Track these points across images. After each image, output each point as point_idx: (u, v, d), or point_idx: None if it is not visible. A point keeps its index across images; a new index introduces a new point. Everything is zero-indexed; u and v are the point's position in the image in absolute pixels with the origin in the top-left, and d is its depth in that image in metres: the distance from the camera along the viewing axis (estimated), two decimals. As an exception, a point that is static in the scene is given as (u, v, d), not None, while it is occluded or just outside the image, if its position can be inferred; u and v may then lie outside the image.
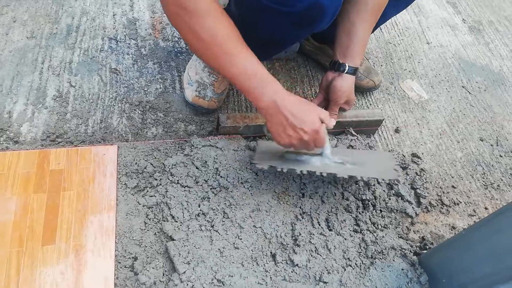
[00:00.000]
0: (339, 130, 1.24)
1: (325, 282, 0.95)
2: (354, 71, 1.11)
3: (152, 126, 1.17)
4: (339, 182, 1.10)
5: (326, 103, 1.18)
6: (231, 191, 1.04)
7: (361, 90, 1.39)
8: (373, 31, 1.15)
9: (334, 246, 1.01)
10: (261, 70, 0.86)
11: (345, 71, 1.10)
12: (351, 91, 1.14)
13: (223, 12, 0.84)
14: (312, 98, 1.31)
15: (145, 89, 1.25)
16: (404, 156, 1.24)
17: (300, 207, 1.05)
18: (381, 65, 1.51)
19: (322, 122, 0.91)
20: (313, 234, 1.01)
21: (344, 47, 1.10)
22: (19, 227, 0.91)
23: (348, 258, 1.00)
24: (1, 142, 1.07)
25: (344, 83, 1.11)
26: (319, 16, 0.89)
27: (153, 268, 0.91)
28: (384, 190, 1.13)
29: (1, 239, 0.89)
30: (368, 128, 1.27)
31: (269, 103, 0.87)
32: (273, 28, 0.94)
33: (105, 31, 1.37)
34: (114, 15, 1.43)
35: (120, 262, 0.91)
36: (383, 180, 1.10)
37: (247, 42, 0.88)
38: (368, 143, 1.24)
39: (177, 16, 0.81)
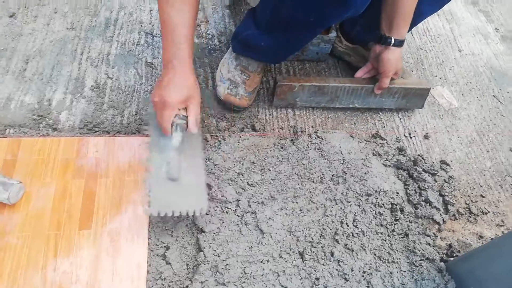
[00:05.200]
0: (388, 98, 1.32)
1: (351, 281, 0.95)
2: (400, 43, 1.17)
3: (185, 120, 1.19)
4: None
5: (374, 72, 1.27)
6: (261, 187, 1.06)
7: None
8: (408, 31, 1.19)
9: (361, 247, 1.01)
10: (182, 29, 0.87)
11: (392, 44, 1.15)
12: (398, 62, 1.21)
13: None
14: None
15: (179, 84, 1.28)
16: (433, 162, 1.24)
17: (329, 206, 1.06)
18: (412, 71, 1.51)
19: (181, 116, 0.92)
20: (341, 234, 1.02)
21: (389, 20, 1.14)
22: (57, 211, 0.94)
23: (376, 260, 1.00)
24: (41, 129, 1.10)
25: (391, 56, 1.17)
26: None
27: (184, 258, 0.93)
28: (414, 197, 1.13)
29: (40, 221, 0.93)
30: (415, 98, 1.34)
31: (166, 62, 0.90)
32: (304, 7, 0.94)
33: (141, 25, 1.41)
34: (150, 10, 1.46)
35: (152, 251, 0.93)
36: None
37: (280, 28, 1.00)
38: (397, 147, 1.24)
39: None
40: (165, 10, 0.86)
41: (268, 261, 0.96)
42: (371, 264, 1.00)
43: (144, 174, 1.00)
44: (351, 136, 1.24)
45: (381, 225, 1.07)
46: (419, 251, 1.03)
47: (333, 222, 1.04)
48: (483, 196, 1.22)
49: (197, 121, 0.94)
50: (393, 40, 1.15)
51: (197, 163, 0.99)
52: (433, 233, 1.09)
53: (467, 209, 1.18)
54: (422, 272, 1.00)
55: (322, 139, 1.20)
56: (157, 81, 0.93)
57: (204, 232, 0.97)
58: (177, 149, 0.94)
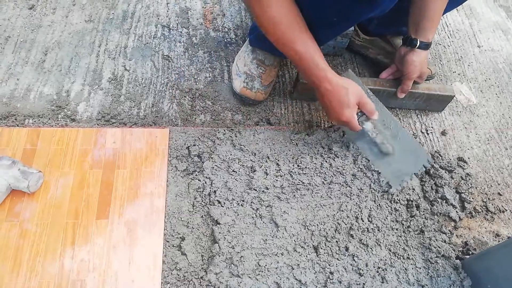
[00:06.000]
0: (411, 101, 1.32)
1: (366, 277, 0.95)
2: (426, 46, 1.16)
3: (201, 113, 1.20)
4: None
5: (399, 74, 1.25)
6: (275, 181, 1.06)
7: None
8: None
9: (376, 242, 1.01)
10: (316, 56, 0.94)
11: (417, 46, 1.15)
12: (423, 66, 1.19)
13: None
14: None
15: (195, 77, 1.28)
16: (450, 159, 1.22)
17: (344, 201, 1.06)
18: (433, 64, 1.49)
19: (360, 113, 1.02)
20: (356, 229, 1.01)
21: (416, 22, 1.14)
22: (75, 200, 0.96)
23: (391, 255, 1.00)
24: (59, 119, 1.12)
25: (416, 58, 1.16)
26: None
27: (199, 249, 0.94)
28: (431, 194, 1.12)
29: (59, 210, 0.94)
30: (437, 103, 1.32)
31: (318, 87, 0.98)
32: (334, 5, 0.94)
33: (158, 18, 1.41)
34: (167, 3, 1.46)
35: (168, 241, 0.94)
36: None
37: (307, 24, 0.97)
38: (414, 144, 1.23)
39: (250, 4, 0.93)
40: (296, 48, 0.93)
41: (282, 254, 0.96)
42: (386, 259, 0.99)
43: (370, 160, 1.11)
44: (367, 131, 1.23)
45: (397, 221, 1.06)
46: (435, 248, 1.02)
47: (348, 217, 1.04)
48: (500, 194, 1.21)
49: (371, 108, 1.01)
50: (418, 42, 1.14)
51: (397, 128, 1.09)
52: (449, 230, 1.08)
53: (484, 207, 1.16)
54: (437, 269, 0.99)
55: (339, 133, 1.19)
56: (326, 101, 0.99)
57: (219, 224, 0.97)
58: (374, 131, 1.06)
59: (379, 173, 1.10)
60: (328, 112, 1.01)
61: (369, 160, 1.11)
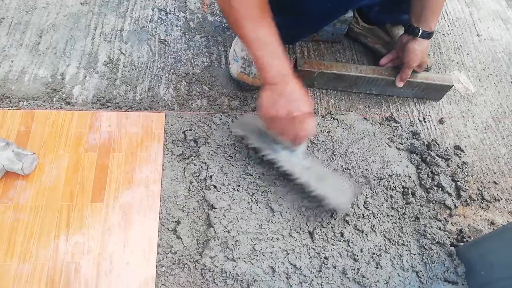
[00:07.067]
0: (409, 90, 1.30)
1: (360, 262, 0.95)
2: (428, 35, 1.15)
3: (197, 98, 1.19)
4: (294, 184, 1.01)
5: (399, 62, 1.24)
6: (272, 167, 1.05)
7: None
8: None
9: (371, 228, 1.01)
10: (274, 42, 0.84)
11: (419, 35, 1.14)
12: (424, 55, 1.19)
13: None
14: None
15: (192, 61, 1.27)
16: (447, 147, 1.22)
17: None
18: (429, 55, 1.48)
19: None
20: (351, 216, 1.02)
21: (417, 11, 1.14)
22: (70, 183, 0.95)
23: (386, 242, 1.00)
24: (54, 102, 1.11)
25: (418, 47, 1.16)
26: None
27: (194, 233, 0.94)
28: (427, 182, 1.12)
29: (53, 193, 0.94)
30: (435, 92, 1.32)
31: (275, 75, 0.84)
32: None
33: (155, 2, 1.39)
34: (164, -14, 1.44)
35: (163, 225, 0.94)
36: (330, 205, 0.96)
37: (298, 14, 0.94)
38: (411, 131, 1.22)
39: None
40: (252, 28, 0.83)
41: (277, 239, 0.96)
42: (380, 246, 1.00)
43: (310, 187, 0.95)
44: (365, 119, 1.23)
45: (392, 208, 1.06)
46: (430, 234, 1.03)
47: (344, 203, 1.03)
48: (496, 183, 1.21)
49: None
50: (420, 31, 1.14)
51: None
52: (444, 218, 1.09)
53: (479, 195, 1.17)
54: (432, 256, 1.00)
55: (336, 120, 1.19)
56: (270, 96, 0.85)
57: (214, 208, 0.97)
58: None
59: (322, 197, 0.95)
60: (288, 98, 0.84)
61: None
